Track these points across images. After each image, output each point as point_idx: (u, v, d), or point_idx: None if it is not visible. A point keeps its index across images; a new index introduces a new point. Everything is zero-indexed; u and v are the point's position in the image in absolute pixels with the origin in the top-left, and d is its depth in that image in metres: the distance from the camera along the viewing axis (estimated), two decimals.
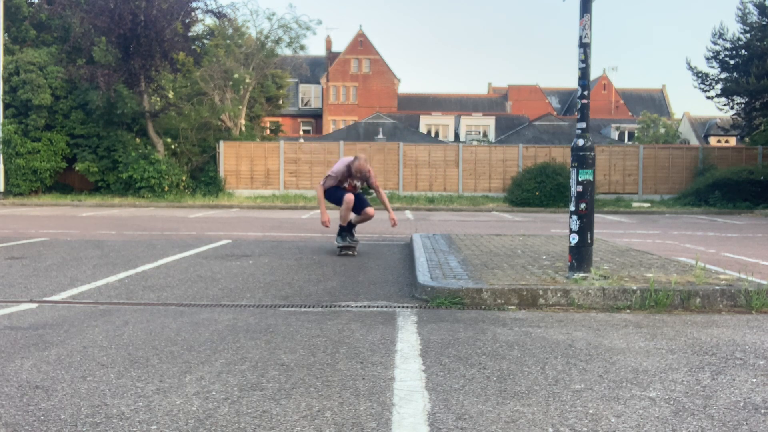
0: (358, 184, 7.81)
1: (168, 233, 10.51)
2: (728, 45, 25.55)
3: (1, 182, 22.83)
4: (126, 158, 22.47)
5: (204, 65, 24.73)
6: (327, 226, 7.65)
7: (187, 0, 22.71)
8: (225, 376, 2.96)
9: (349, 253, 7.65)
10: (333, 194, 7.72)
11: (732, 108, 26.48)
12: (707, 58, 26.17)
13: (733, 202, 20.54)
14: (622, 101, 54.08)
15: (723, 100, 26.24)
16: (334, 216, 8.33)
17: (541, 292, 4.73)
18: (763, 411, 2.59)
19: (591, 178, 5.10)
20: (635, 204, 21.57)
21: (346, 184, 7.70)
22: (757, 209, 19.74)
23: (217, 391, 2.75)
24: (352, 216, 7.79)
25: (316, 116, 51.95)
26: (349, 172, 7.63)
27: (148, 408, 2.55)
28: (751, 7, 24.86)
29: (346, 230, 7.77)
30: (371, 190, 8.23)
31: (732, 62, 25.52)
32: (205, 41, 26.45)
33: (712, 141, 42.76)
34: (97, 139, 23.57)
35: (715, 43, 25.90)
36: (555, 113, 48.80)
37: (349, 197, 7.54)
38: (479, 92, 59.05)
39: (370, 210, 7.76)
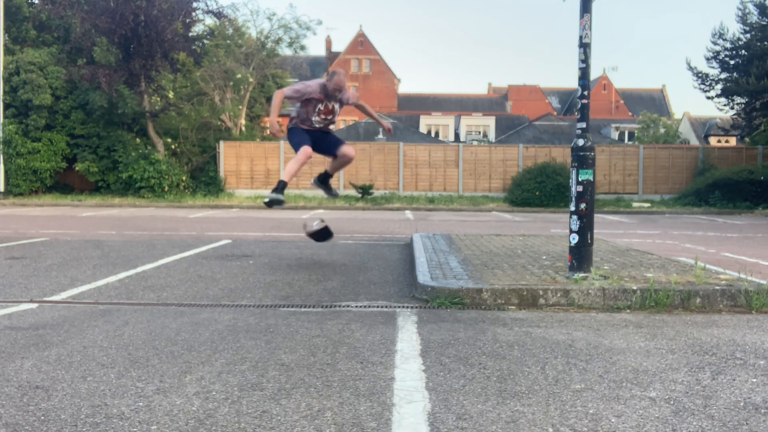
0: (337, 107, 6.24)
1: (168, 233, 10.51)
2: (728, 45, 25.55)
3: (2, 182, 22.82)
4: (126, 158, 22.47)
5: (204, 65, 24.73)
6: (274, 134, 6.16)
7: (187, 0, 22.72)
8: (225, 376, 2.95)
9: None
10: (294, 136, 6.18)
11: (732, 108, 26.48)
12: (707, 59, 26.17)
13: (733, 202, 20.53)
14: (622, 101, 54.07)
15: (723, 100, 26.24)
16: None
17: (541, 292, 4.73)
18: (763, 411, 2.59)
19: (591, 178, 5.10)
20: (635, 204, 21.56)
21: (320, 107, 6.14)
22: (757, 209, 19.73)
23: (217, 391, 2.75)
24: (329, 163, 6.54)
25: None
26: (325, 91, 6.09)
27: (148, 408, 2.55)
28: (751, 7, 24.85)
29: (321, 182, 6.61)
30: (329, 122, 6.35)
31: (732, 62, 25.52)
32: (206, 41, 26.44)
33: (712, 141, 42.74)
34: (97, 139, 23.57)
35: (715, 44, 25.90)
36: (555, 113, 48.79)
37: (307, 150, 5.93)
38: (479, 92, 59.11)
39: (347, 149, 6.27)
